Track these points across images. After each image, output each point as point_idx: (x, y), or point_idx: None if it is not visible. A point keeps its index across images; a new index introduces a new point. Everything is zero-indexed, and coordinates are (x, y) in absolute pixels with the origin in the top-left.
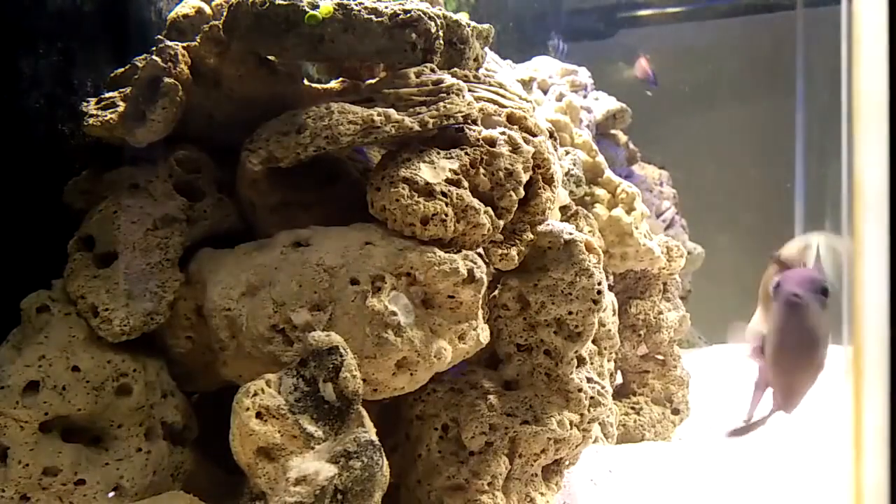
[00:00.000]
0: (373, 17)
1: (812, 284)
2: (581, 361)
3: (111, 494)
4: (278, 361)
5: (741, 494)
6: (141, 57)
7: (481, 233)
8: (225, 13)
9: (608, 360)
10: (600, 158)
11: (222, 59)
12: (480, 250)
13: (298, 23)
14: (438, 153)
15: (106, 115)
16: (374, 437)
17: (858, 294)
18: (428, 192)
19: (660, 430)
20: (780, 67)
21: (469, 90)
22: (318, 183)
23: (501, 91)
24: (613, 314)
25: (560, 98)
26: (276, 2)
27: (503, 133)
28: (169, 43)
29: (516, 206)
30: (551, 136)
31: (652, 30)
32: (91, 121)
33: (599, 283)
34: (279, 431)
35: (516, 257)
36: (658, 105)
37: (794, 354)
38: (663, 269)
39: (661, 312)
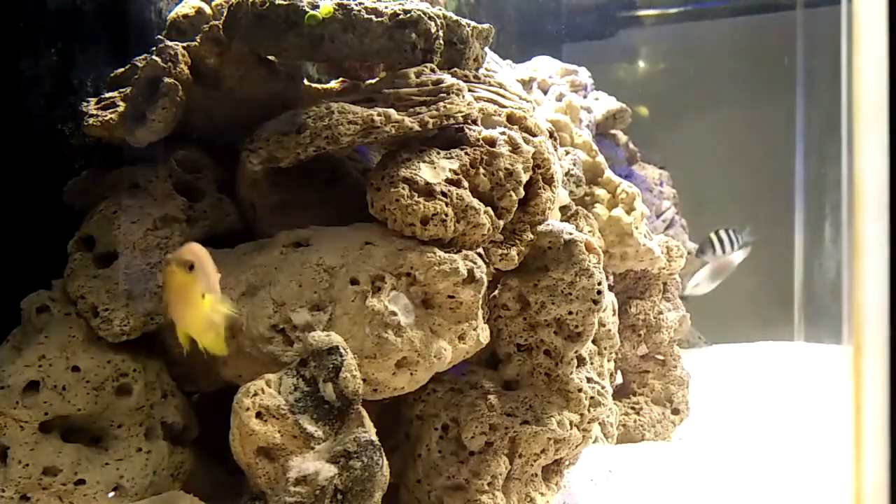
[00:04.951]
0: (373, 17)
1: None
2: (581, 361)
3: (111, 494)
4: (278, 361)
5: (741, 494)
6: (141, 57)
7: (481, 233)
8: (225, 13)
9: (608, 360)
10: (600, 158)
11: (222, 59)
12: (480, 250)
13: (298, 23)
14: (438, 153)
15: (106, 115)
16: (374, 437)
17: (858, 294)
18: (428, 192)
19: (660, 430)
20: (780, 67)
21: (469, 90)
22: (318, 183)
23: (501, 91)
24: (613, 314)
25: (560, 98)
26: (276, 2)
27: (503, 133)
28: (169, 43)
29: (516, 206)
30: (551, 136)
31: (652, 30)
32: (91, 121)
33: (599, 283)
34: (279, 431)
35: (516, 257)
36: (658, 105)
37: None
38: (663, 269)
39: (661, 312)
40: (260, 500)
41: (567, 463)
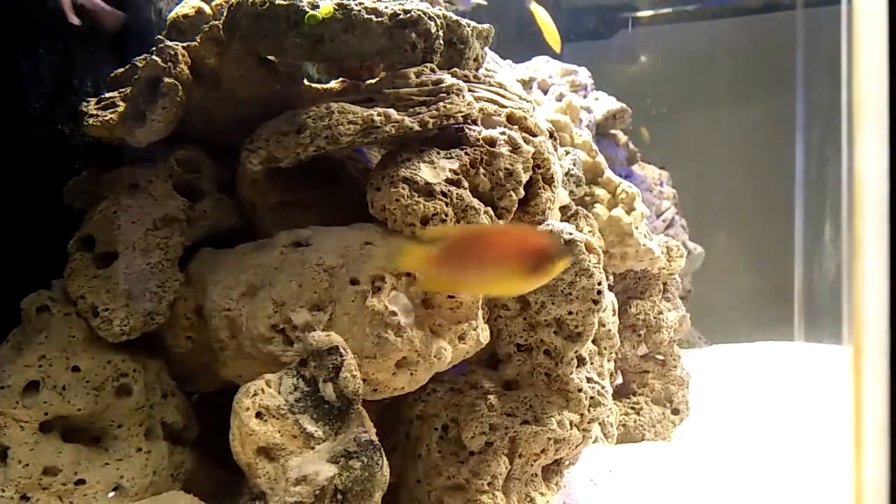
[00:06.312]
0: (373, 17)
1: None
2: (581, 361)
3: (111, 494)
4: (278, 361)
5: (741, 494)
6: (141, 57)
7: None
8: (225, 13)
9: (608, 360)
10: (600, 158)
11: (222, 59)
12: None
13: (298, 23)
14: (438, 153)
15: (106, 115)
16: (374, 437)
17: (858, 294)
18: (428, 192)
19: (660, 430)
20: (779, 67)
21: (469, 90)
22: (318, 183)
23: (501, 91)
24: (613, 314)
25: (560, 98)
26: (276, 2)
27: (503, 133)
28: (169, 43)
29: (516, 206)
30: (551, 136)
31: (652, 29)
32: (91, 121)
33: (599, 283)
34: (279, 431)
35: None
36: (658, 105)
37: None
38: (663, 269)
39: (661, 312)
40: (260, 500)
41: (567, 463)
